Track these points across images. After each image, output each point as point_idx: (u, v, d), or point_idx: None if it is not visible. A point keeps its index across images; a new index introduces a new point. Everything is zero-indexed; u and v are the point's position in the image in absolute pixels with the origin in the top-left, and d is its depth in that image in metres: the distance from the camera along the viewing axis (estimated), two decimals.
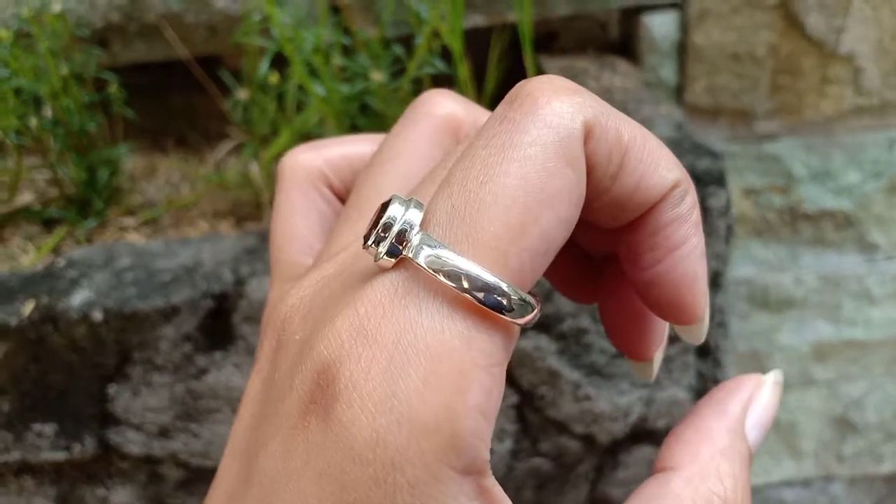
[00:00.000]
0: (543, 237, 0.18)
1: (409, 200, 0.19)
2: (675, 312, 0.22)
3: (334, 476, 0.17)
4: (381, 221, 0.18)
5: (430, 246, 0.18)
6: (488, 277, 0.17)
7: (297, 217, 0.26)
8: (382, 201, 0.19)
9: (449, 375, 0.17)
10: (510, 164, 0.18)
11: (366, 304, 0.18)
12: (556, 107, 0.18)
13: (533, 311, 0.18)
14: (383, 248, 0.18)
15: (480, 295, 0.17)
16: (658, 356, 0.25)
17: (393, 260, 0.18)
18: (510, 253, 0.18)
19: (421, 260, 0.17)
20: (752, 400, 0.24)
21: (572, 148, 0.18)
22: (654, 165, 0.20)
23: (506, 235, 0.17)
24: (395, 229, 0.18)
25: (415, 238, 0.18)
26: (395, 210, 0.18)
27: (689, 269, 0.21)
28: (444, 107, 0.25)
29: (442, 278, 0.17)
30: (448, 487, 0.17)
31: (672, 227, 0.21)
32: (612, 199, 0.20)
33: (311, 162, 0.26)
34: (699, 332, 0.23)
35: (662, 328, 0.25)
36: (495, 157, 0.18)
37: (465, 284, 0.17)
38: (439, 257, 0.17)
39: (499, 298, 0.17)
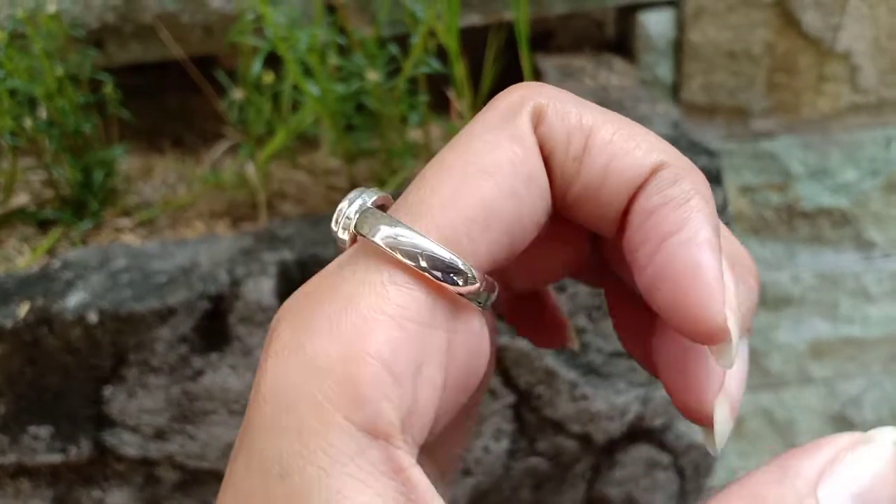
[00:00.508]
0: (480, 206, 0.18)
1: (367, 189, 0.20)
2: (686, 320, 0.18)
3: (245, 422, 0.17)
4: (339, 206, 0.20)
5: (370, 217, 0.19)
6: (409, 234, 0.18)
7: None
8: None
9: (351, 319, 0.17)
10: (454, 144, 0.19)
11: (317, 276, 0.19)
12: (505, 97, 0.20)
13: (467, 278, 0.18)
14: (335, 226, 0.20)
15: (398, 250, 0.18)
16: (720, 415, 0.20)
17: (346, 238, 0.19)
18: (442, 218, 0.18)
19: (362, 230, 0.19)
20: (836, 460, 0.18)
21: (516, 126, 0.19)
22: (629, 147, 0.20)
23: (437, 201, 0.18)
24: (346, 211, 0.19)
25: (357, 215, 0.19)
26: (351, 195, 0.20)
27: (689, 259, 0.18)
28: None
29: (372, 238, 0.18)
30: (341, 441, 0.16)
31: (662, 212, 0.19)
32: (585, 185, 0.20)
33: None
34: (724, 352, 0.19)
35: (714, 370, 0.20)
36: (449, 147, 0.20)
37: (391, 244, 0.18)
38: (374, 223, 0.18)
39: (419, 256, 0.18)
